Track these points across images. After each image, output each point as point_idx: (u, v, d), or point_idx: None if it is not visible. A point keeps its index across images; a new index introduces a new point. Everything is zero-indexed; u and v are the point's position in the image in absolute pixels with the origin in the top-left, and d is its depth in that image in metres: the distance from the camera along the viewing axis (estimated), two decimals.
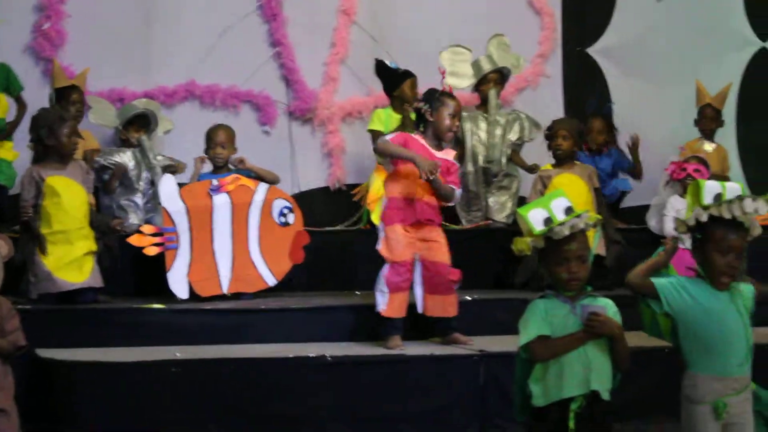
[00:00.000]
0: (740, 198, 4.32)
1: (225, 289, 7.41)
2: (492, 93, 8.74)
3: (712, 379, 4.41)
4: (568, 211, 4.38)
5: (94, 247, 7.16)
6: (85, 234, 7.14)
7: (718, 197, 4.35)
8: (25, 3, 8.70)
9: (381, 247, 6.81)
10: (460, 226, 8.64)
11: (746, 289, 4.49)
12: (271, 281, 7.53)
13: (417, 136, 6.90)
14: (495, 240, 8.15)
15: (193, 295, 7.31)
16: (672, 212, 7.93)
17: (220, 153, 7.81)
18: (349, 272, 8.07)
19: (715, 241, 4.37)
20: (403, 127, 8.43)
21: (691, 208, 4.41)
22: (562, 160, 8.14)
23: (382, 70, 8.61)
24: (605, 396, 4.38)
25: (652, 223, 8.41)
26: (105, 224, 7.27)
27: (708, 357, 4.41)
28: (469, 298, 7.32)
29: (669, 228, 7.88)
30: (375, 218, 8.47)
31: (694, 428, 4.42)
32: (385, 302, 6.75)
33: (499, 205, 8.70)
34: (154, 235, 7.33)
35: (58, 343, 6.65)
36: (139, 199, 8.07)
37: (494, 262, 8.16)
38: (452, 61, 8.75)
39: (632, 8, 9.91)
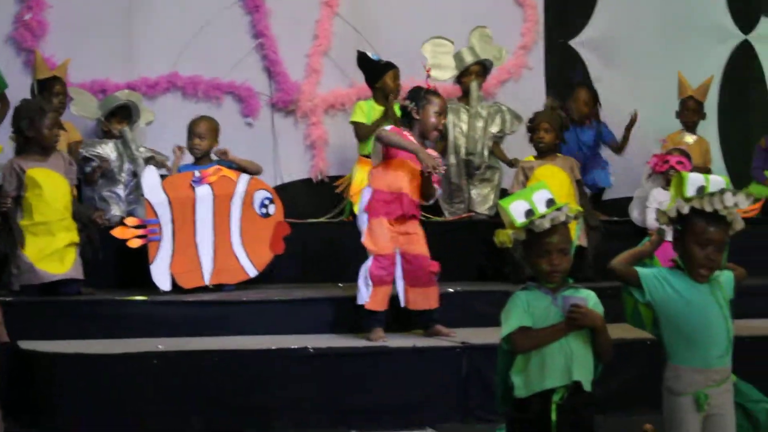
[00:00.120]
0: (721, 191, 4.34)
1: (207, 281, 7.40)
2: (474, 85, 8.74)
3: (693, 371, 4.42)
4: (550, 203, 4.39)
5: (76, 238, 7.15)
6: (67, 225, 7.13)
7: (701, 190, 4.36)
8: None
9: (365, 239, 6.80)
10: (442, 218, 8.65)
11: (725, 277, 4.51)
12: (252, 272, 7.53)
13: (406, 133, 6.91)
14: (477, 232, 8.17)
15: (176, 287, 7.30)
16: (654, 204, 7.96)
17: (197, 144, 7.78)
18: (332, 264, 8.07)
19: (695, 234, 4.39)
20: (385, 118, 8.46)
21: (674, 200, 4.42)
22: (544, 152, 8.16)
23: (364, 61, 8.60)
24: (587, 387, 4.39)
25: (634, 214, 8.44)
26: (86, 216, 7.25)
27: (689, 349, 4.43)
28: (452, 290, 7.33)
29: (651, 220, 7.90)
30: (357, 210, 8.48)
31: (676, 420, 4.43)
32: (368, 295, 6.76)
33: (481, 198, 8.71)
34: (137, 227, 7.32)
35: (41, 335, 6.64)
36: (121, 190, 8.06)
37: (477, 255, 8.17)
38: (434, 53, 8.75)
39: (615, 0, 9.92)
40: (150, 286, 7.24)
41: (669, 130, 9.25)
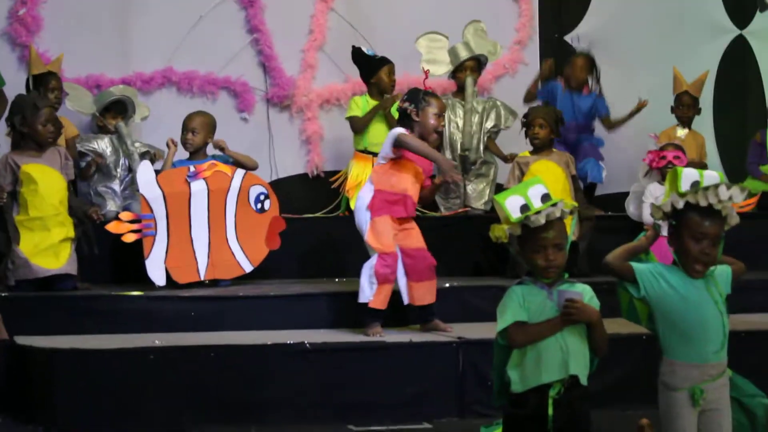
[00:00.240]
0: (716, 185, 4.34)
1: (202, 276, 7.41)
2: (469, 80, 8.75)
3: (689, 366, 4.43)
4: (545, 198, 4.39)
5: (71, 233, 7.15)
6: (62, 221, 7.13)
7: (695, 185, 4.36)
8: None
9: (369, 237, 6.77)
10: (438, 214, 8.66)
11: (723, 272, 4.51)
12: (248, 267, 7.53)
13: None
14: (473, 227, 8.17)
15: (171, 282, 7.30)
16: (651, 199, 7.97)
17: (190, 139, 7.76)
18: (328, 259, 8.08)
19: (690, 228, 4.39)
20: (377, 108, 8.46)
21: (669, 195, 4.42)
22: (539, 148, 8.17)
23: (359, 57, 8.60)
24: (583, 381, 4.39)
25: (630, 209, 8.44)
26: (82, 212, 7.25)
27: (684, 344, 4.43)
28: (448, 286, 7.33)
29: (647, 215, 7.91)
30: (353, 205, 8.49)
31: (671, 414, 4.44)
32: (372, 293, 6.73)
33: (477, 193, 8.72)
34: (131, 222, 7.32)
35: (37, 330, 6.65)
36: (116, 185, 8.06)
37: (472, 250, 8.18)
38: (429, 48, 8.76)
39: None
40: (146, 282, 7.25)
41: (664, 126, 9.26)
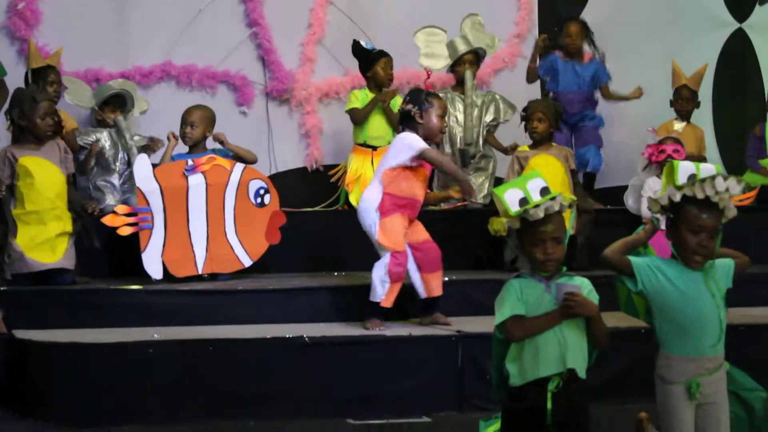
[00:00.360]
0: (713, 177, 4.34)
1: (200, 270, 7.40)
2: (468, 74, 8.73)
3: (686, 360, 4.43)
4: (544, 191, 4.39)
5: (68, 228, 7.15)
6: (59, 214, 7.13)
7: (692, 177, 4.37)
8: None
9: (380, 237, 6.74)
10: (437, 207, 8.64)
11: (725, 265, 4.51)
12: (247, 262, 7.52)
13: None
14: (472, 221, 8.16)
15: (169, 276, 7.30)
16: (649, 193, 7.96)
17: (188, 132, 7.74)
18: (327, 253, 8.08)
19: (687, 221, 4.39)
20: (376, 100, 8.46)
21: (666, 188, 4.42)
22: (538, 142, 8.16)
23: (357, 50, 8.60)
24: (582, 374, 4.39)
25: (629, 202, 8.44)
26: (80, 205, 7.24)
27: (681, 338, 4.43)
28: (447, 279, 7.30)
29: (646, 209, 7.90)
30: (353, 199, 8.49)
31: (669, 408, 4.44)
32: (384, 292, 6.72)
33: (476, 187, 8.71)
34: (127, 215, 7.31)
35: (35, 324, 6.65)
36: (115, 179, 8.06)
37: (471, 243, 8.17)
38: (427, 42, 8.75)
39: None
40: (145, 276, 7.24)
41: (663, 119, 9.26)
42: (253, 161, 7.81)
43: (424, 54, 8.78)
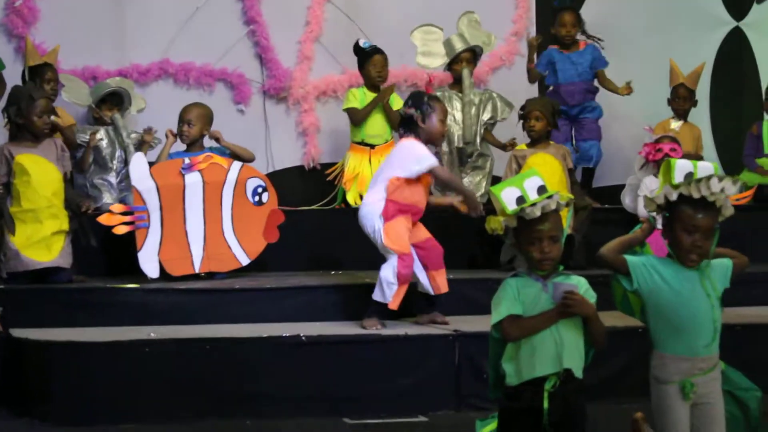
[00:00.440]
0: (708, 177, 4.33)
1: (197, 269, 7.39)
2: (465, 72, 8.72)
3: (679, 359, 4.43)
4: (541, 190, 4.38)
5: (65, 226, 7.14)
6: (55, 213, 7.12)
7: (689, 176, 4.36)
8: None
9: (386, 241, 6.71)
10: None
11: (722, 265, 4.50)
12: (245, 260, 7.52)
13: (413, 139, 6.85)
14: (469, 220, 8.11)
15: (166, 275, 7.29)
16: (646, 192, 7.96)
17: (186, 131, 7.75)
18: (324, 252, 8.08)
19: (682, 220, 4.38)
20: (377, 100, 8.46)
21: (662, 187, 4.42)
22: (536, 140, 8.16)
23: (355, 48, 8.61)
24: (578, 374, 4.39)
25: (626, 201, 8.44)
26: (75, 204, 7.23)
27: (675, 337, 4.43)
28: None
29: (641, 208, 7.90)
30: (350, 197, 8.49)
31: (664, 408, 4.44)
32: (391, 294, 6.71)
33: (473, 185, 8.70)
34: (123, 213, 7.30)
35: (32, 322, 6.65)
36: (112, 178, 8.05)
37: (469, 242, 8.17)
38: (424, 40, 8.75)
39: None
40: (142, 274, 7.23)
41: (661, 118, 9.26)
42: (251, 159, 7.81)
43: (421, 52, 8.78)
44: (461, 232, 8.12)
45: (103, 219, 7.26)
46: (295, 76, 9.24)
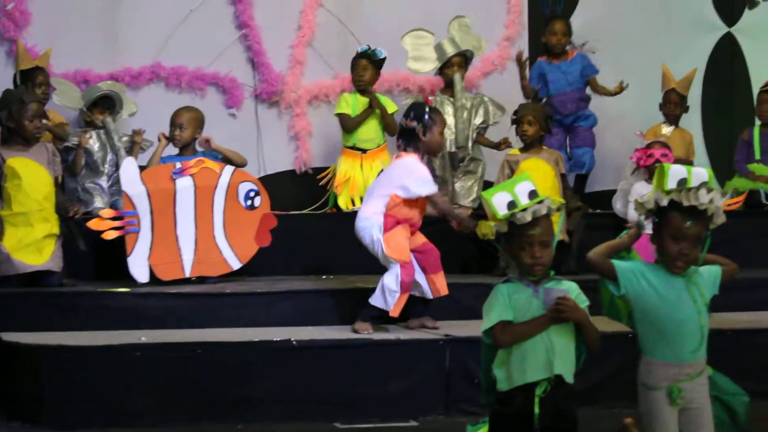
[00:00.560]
0: (697, 188, 4.33)
1: (188, 273, 7.38)
2: (457, 77, 8.72)
3: (666, 365, 4.43)
4: (532, 195, 4.38)
5: (56, 230, 7.13)
6: (46, 216, 7.11)
7: (682, 182, 4.36)
8: None
9: (389, 252, 6.72)
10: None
11: (711, 272, 4.51)
12: (236, 265, 7.51)
13: (416, 156, 6.86)
14: None
15: (156, 279, 7.28)
16: (636, 197, 7.96)
17: (177, 135, 7.74)
18: (315, 256, 8.08)
19: (671, 227, 4.39)
20: (371, 110, 8.47)
21: (655, 191, 4.42)
22: (528, 145, 8.17)
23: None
24: (569, 379, 4.39)
25: (617, 206, 8.46)
26: (64, 209, 7.21)
27: (662, 343, 4.44)
28: None
29: (633, 213, 7.91)
30: (341, 202, 8.49)
31: (651, 414, 4.45)
32: (393, 302, 6.72)
33: (465, 190, 8.71)
34: (113, 218, 7.29)
35: (23, 326, 6.63)
36: (104, 182, 8.04)
37: (460, 247, 8.17)
38: (415, 45, 8.76)
39: None
40: (133, 278, 7.22)
41: (652, 123, 9.27)
42: (243, 164, 7.81)
43: (412, 57, 8.79)
44: (454, 237, 8.11)
45: (93, 224, 7.25)
46: (287, 80, 9.24)
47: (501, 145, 8.66)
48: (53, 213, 7.15)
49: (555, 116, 8.58)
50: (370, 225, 6.78)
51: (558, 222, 4.64)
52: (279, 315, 7.05)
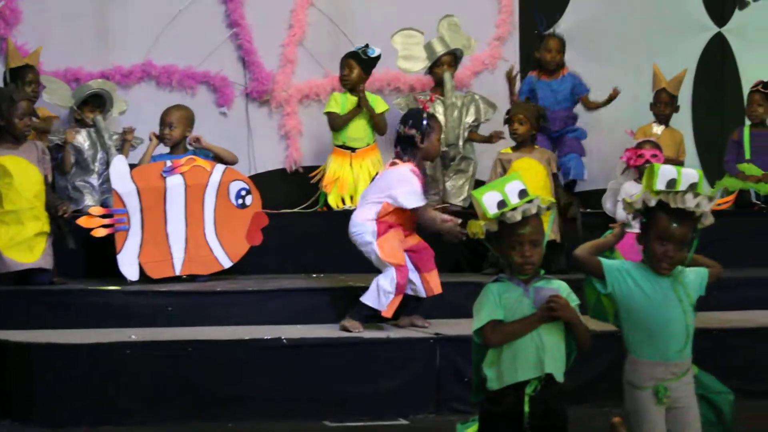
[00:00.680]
0: (684, 192, 4.34)
1: (178, 271, 7.38)
2: (447, 75, 8.74)
3: (652, 365, 4.44)
4: (522, 194, 4.39)
5: (46, 228, 7.13)
6: (37, 214, 7.11)
7: (671, 183, 4.36)
8: None
9: (382, 256, 6.74)
10: None
11: (698, 274, 4.52)
12: (227, 263, 7.51)
13: (410, 166, 6.87)
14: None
15: (146, 277, 7.28)
16: (625, 196, 7.98)
17: (167, 134, 7.73)
18: (306, 255, 8.08)
19: (657, 228, 4.39)
20: (358, 109, 8.47)
21: (643, 191, 4.42)
22: (520, 144, 8.18)
23: None
24: (559, 378, 4.40)
25: (607, 205, 8.47)
26: (54, 207, 7.21)
27: (648, 342, 4.44)
28: None
29: (622, 213, 7.92)
30: (331, 200, 8.49)
31: (638, 413, 4.46)
32: (387, 303, 6.73)
33: (456, 189, 8.72)
34: (103, 216, 7.29)
35: (13, 324, 6.63)
36: (94, 180, 8.04)
37: (451, 246, 8.14)
38: (405, 44, 8.77)
39: None
40: (123, 276, 7.22)
41: (643, 122, 9.28)
42: (234, 162, 7.80)
43: (402, 56, 8.80)
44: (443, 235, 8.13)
45: (82, 221, 7.25)
46: (278, 79, 9.23)
47: (493, 137, 8.67)
48: (44, 211, 7.15)
49: (540, 133, 8.53)
50: (363, 230, 6.80)
51: (548, 221, 4.64)
52: (270, 313, 7.05)
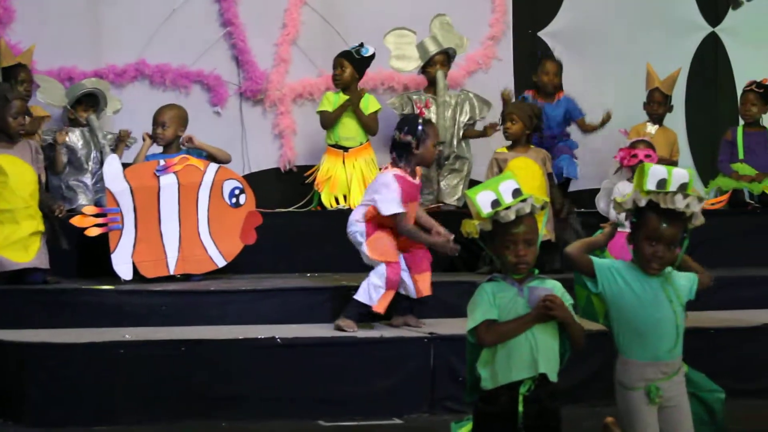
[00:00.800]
0: (674, 192, 4.34)
1: (171, 271, 7.37)
2: (440, 75, 8.75)
3: (643, 365, 4.45)
4: (516, 193, 4.39)
5: (41, 227, 7.12)
6: (32, 214, 7.10)
7: (662, 183, 4.36)
8: None
9: (372, 254, 6.77)
10: None
11: (689, 279, 4.52)
12: (221, 262, 7.51)
13: (402, 173, 6.86)
14: (446, 223, 8.14)
15: (140, 276, 7.27)
16: (618, 196, 7.98)
17: (160, 133, 7.73)
18: (299, 254, 8.08)
19: (647, 228, 4.40)
20: (347, 104, 8.47)
21: (634, 191, 4.43)
22: (515, 143, 8.18)
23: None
24: (553, 378, 4.40)
25: (601, 205, 8.48)
26: (48, 207, 7.20)
27: (638, 343, 4.45)
28: None
29: (613, 212, 7.93)
30: (325, 200, 8.49)
31: (630, 413, 4.46)
32: (377, 298, 6.74)
33: (450, 189, 8.73)
34: (96, 215, 7.28)
35: (6, 323, 6.62)
36: (88, 179, 8.03)
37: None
38: (397, 44, 8.78)
39: None
40: (116, 276, 7.21)
41: (636, 121, 9.29)
42: (227, 161, 7.80)
43: (395, 56, 8.80)
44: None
45: (76, 221, 7.25)
46: (272, 78, 9.23)
47: (488, 130, 8.68)
48: (38, 210, 7.14)
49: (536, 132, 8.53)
50: (355, 230, 6.85)
51: (542, 220, 4.65)
52: (264, 313, 7.04)
